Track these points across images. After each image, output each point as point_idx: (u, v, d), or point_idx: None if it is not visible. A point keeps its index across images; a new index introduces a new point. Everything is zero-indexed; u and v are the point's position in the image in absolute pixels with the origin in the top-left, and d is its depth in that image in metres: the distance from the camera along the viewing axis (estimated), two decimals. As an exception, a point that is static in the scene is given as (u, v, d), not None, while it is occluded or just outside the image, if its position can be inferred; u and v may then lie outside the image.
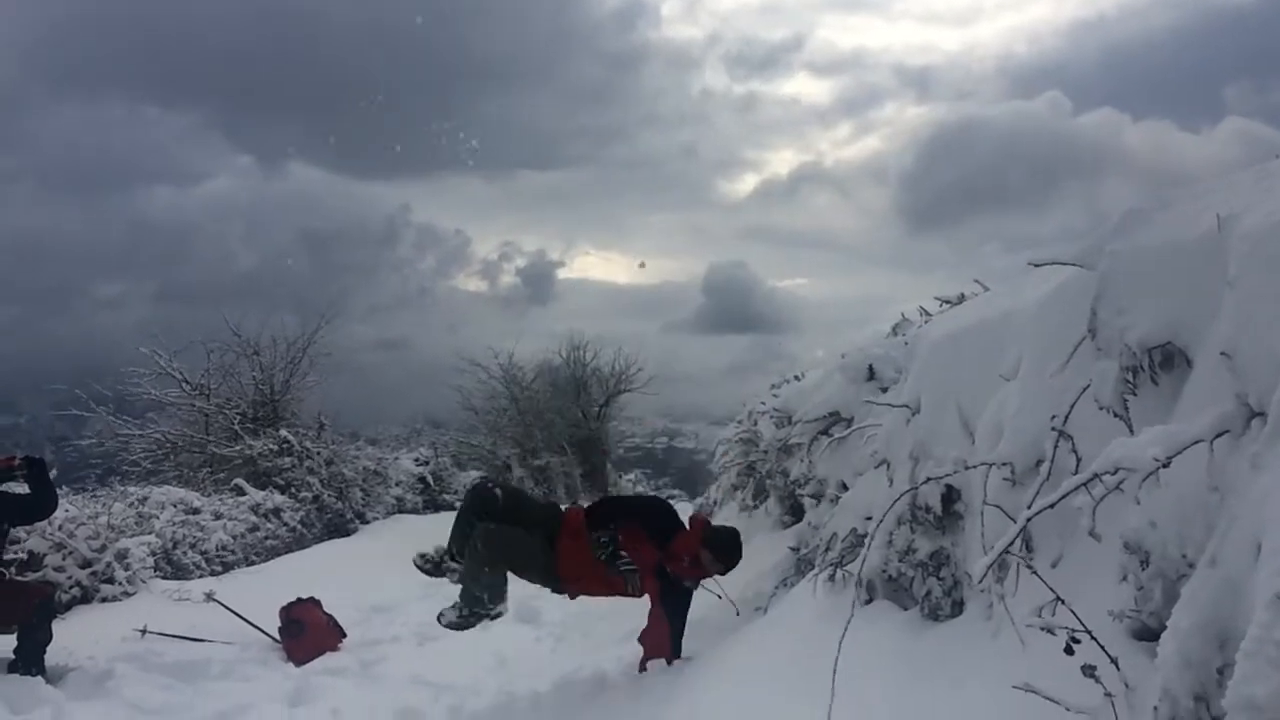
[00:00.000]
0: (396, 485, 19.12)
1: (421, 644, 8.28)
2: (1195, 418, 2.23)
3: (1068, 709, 2.40)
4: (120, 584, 9.21)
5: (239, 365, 18.20)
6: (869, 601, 4.37)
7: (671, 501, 6.99)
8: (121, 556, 9.42)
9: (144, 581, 9.58)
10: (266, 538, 13.49)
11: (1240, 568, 1.88)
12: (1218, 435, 2.13)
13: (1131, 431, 2.64)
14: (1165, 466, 2.12)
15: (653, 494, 5.22)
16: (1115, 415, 2.75)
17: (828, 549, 5.38)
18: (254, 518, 13.51)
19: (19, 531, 7.92)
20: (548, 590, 6.08)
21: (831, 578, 4.96)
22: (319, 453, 16.68)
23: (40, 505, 6.94)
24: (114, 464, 16.93)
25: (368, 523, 16.83)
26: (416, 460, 20.57)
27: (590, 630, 8.39)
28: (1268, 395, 1.99)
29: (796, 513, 8.21)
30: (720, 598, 6.10)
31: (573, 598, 5.94)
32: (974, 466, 3.55)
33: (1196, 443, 2.13)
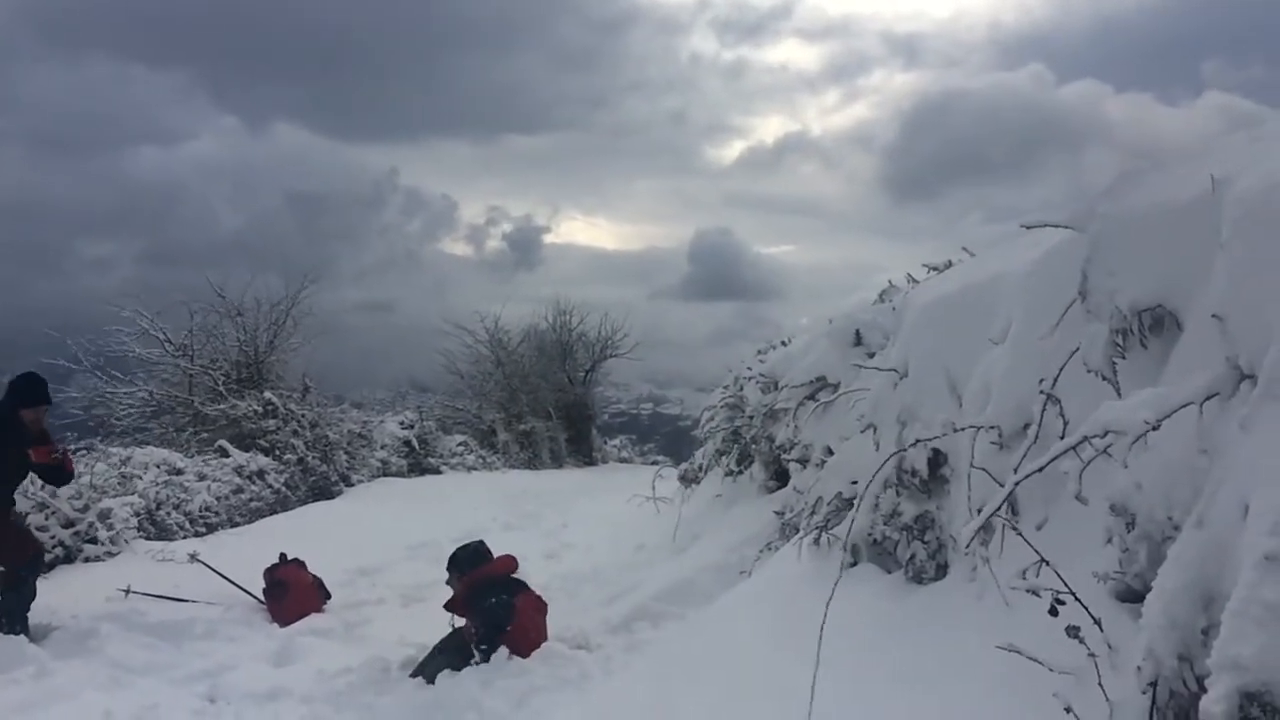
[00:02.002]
0: (381, 448, 19.09)
1: (406, 605, 8.31)
2: (1185, 381, 2.23)
3: (1051, 669, 2.41)
4: (103, 544, 9.18)
5: (222, 326, 18.07)
6: (853, 564, 4.38)
7: (655, 467, 7.21)
8: (104, 516, 9.39)
9: (127, 542, 9.54)
10: (251, 499, 13.46)
11: (1227, 529, 1.88)
12: (1208, 398, 2.13)
13: (1119, 395, 2.64)
14: (1155, 429, 2.11)
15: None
16: (1104, 379, 2.74)
17: (813, 513, 5.40)
18: (238, 479, 13.46)
19: None
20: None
21: (816, 541, 4.97)
22: (303, 415, 16.61)
23: (58, 483, 7.77)
24: (99, 424, 16.79)
25: (352, 485, 16.81)
26: (401, 424, 20.52)
27: (576, 592, 8.43)
28: (1258, 358, 1.99)
29: (781, 478, 8.23)
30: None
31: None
32: (962, 429, 3.55)
33: (1187, 405, 2.13)
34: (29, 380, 6.86)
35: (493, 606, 6.01)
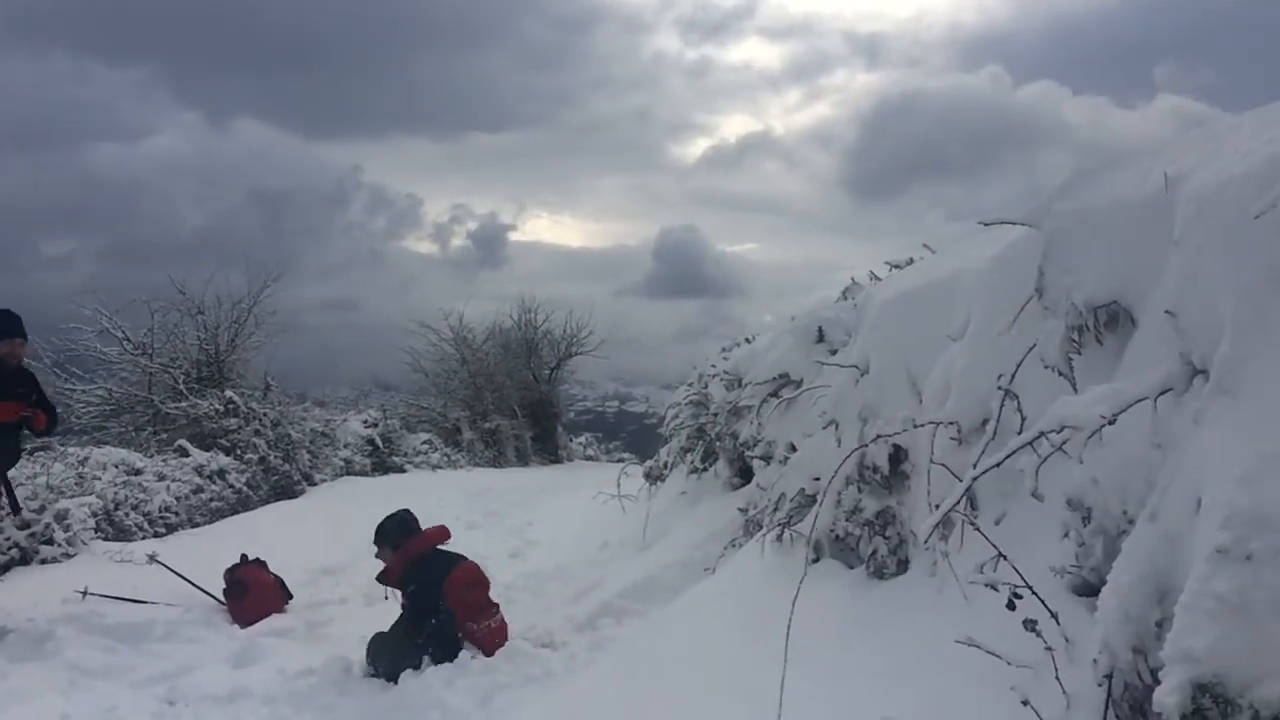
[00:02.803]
0: (345, 447, 18.92)
1: (369, 605, 8.22)
2: (1140, 376, 2.25)
3: (1009, 663, 2.43)
4: (60, 545, 9.01)
5: (182, 324, 17.85)
6: (816, 560, 4.40)
7: (621, 465, 7.29)
8: (61, 517, 9.22)
9: (85, 543, 9.37)
10: (211, 499, 13.30)
11: (1180, 523, 1.90)
12: (1161, 393, 2.16)
13: (1076, 390, 2.67)
14: (1111, 424, 2.14)
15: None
16: (1060, 374, 2.77)
17: (776, 509, 5.42)
18: (198, 479, 13.29)
19: None
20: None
21: (779, 538, 4.99)
22: (265, 414, 16.42)
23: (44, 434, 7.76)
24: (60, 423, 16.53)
25: (315, 485, 16.64)
26: (365, 422, 20.37)
27: (540, 590, 8.41)
28: (1211, 354, 2.01)
29: (745, 475, 8.24)
30: None
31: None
32: (921, 425, 3.57)
33: (1141, 400, 2.16)
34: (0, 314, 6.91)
35: (436, 629, 5.98)
